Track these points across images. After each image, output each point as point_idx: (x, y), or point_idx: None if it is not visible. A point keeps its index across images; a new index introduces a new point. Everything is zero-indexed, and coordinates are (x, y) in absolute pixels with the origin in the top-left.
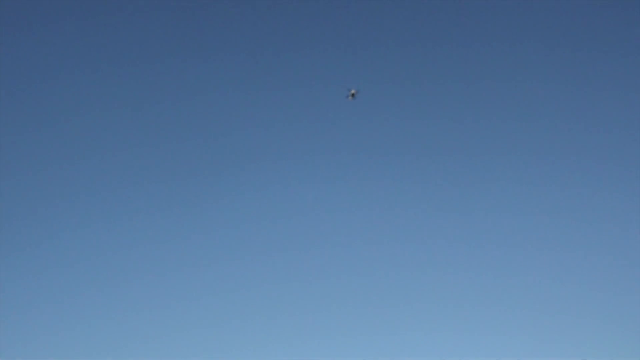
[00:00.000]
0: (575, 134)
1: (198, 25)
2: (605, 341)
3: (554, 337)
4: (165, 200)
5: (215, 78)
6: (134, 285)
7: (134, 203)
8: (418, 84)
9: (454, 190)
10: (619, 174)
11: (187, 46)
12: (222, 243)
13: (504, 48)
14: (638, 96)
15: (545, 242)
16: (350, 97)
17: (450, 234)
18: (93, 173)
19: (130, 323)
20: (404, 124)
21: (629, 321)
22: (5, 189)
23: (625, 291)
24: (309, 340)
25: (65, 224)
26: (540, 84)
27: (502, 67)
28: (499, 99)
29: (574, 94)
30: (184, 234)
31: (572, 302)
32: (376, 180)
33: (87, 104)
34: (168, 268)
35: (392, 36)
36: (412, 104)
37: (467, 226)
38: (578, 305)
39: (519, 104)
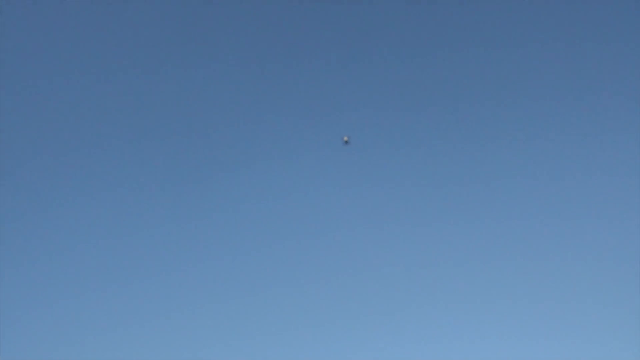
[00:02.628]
0: (574, 140)
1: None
2: (605, 341)
3: (554, 337)
4: (165, 200)
5: (215, 79)
6: (134, 286)
7: (133, 202)
8: (416, 85)
9: (453, 191)
10: (619, 175)
11: (189, 49)
12: (222, 243)
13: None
14: (638, 96)
15: (545, 242)
16: (345, 142)
17: (450, 234)
18: (92, 172)
19: (131, 323)
20: (405, 124)
21: (629, 321)
22: (5, 188)
23: (625, 291)
24: (309, 341)
25: (65, 223)
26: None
27: (504, 71)
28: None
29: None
30: (184, 234)
31: (572, 302)
32: (377, 182)
33: (86, 104)
34: (169, 268)
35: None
36: (411, 103)
37: (467, 226)
38: (578, 306)
39: (518, 101)
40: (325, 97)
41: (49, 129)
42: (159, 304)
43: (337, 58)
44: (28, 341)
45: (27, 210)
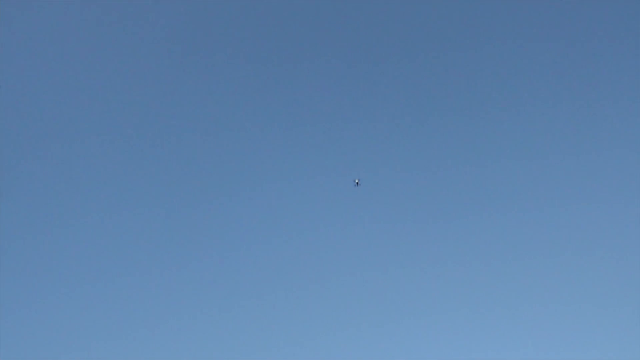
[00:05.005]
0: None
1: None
2: (605, 341)
3: (554, 337)
4: (166, 201)
5: (216, 80)
6: (134, 286)
7: (134, 203)
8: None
9: (454, 192)
10: (619, 176)
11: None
12: (222, 244)
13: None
14: (638, 96)
15: (545, 243)
16: (356, 184)
17: (450, 235)
18: (93, 173)
19: (130, 323)
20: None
21: (629, 321)
22: (5, 188)
23: (625, 291)
24: (308, 341)
25: (65, 224)
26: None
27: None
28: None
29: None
30: (184, 234)
31: (572, 302)
32: (378, 182)
33: (88, 106)
34: (168, 269)
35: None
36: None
37: (467, 227)
38: (578, 305)
39: (520, 102)
40: (337, 140)
41: (48, 128)
42: (158, 305)
43: (347, 100)
44: (28, 341)
45: (28, 212)
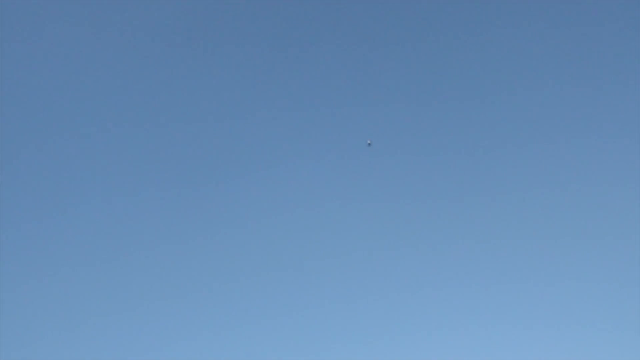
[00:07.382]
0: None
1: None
2: (605, 341)
3: (554, 337)
4: (166, 201)
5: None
6: (134, 286)
7: (135, 203)
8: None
9: (455, 191)
10: (619, 175)
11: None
12: (223, 243)
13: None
14: (638, 96)
15: (546, 242)
16: (368, 144)
17: (452, 235)
18: (94, 174)
19: (130, 323)
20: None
21: (629, 321)
22: (5, 189)
23: (625, 291)
24: (309, 341)
25: (66, 224)
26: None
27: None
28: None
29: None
30: (185, 234)
31: (572, 302)
32: (379, 181)
33: (88, 106)
34: (168, 269)
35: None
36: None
37: (469, 227)
38: (578, 305)
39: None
40: (348, 101)
41: (49, 128)
42: (158, 304)
43: (360, 62)
44: (28, 341)
45: (30, 213)
